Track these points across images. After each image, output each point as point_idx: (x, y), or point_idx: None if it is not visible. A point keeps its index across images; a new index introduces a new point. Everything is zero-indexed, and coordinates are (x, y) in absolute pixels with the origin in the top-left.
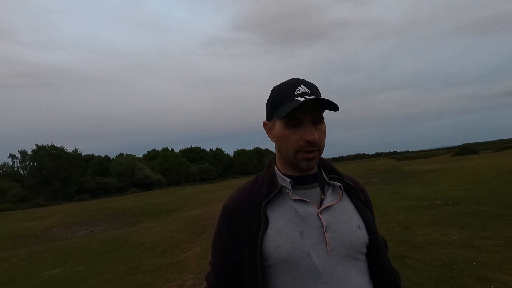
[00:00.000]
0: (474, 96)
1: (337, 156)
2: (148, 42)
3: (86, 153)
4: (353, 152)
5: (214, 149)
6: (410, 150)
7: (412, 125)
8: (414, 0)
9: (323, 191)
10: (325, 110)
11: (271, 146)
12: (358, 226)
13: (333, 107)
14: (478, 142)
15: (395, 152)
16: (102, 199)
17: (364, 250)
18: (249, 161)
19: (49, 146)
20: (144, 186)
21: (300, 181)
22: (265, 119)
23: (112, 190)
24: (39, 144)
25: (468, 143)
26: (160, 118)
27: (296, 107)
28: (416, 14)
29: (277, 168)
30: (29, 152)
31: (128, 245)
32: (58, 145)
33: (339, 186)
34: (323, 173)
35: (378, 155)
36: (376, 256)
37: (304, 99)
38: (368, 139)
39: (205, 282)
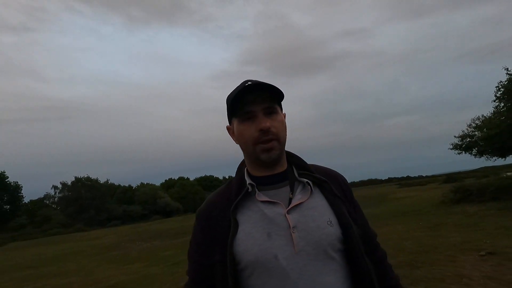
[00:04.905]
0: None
1: (349, 181)
2: (161, 75)
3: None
4: (365, 177)
5: (227, 177)
6: (424, 175)
7: (425, 150)
8: (411, 32)
9: (292, 189)
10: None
11: None
12: (329, 222)
13: (279, 94)
14: (496, 166)
15: (408, 177)
16: (132, 225)
17: (339, 247)
18: None
19: (85, 177)
20: (165, 213)
21: (270, 181)
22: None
23: (137, 218)
24: (77, 176)
25: (485, 167)
26: (174, 146)
27: (244, 95)
28: (415, 44)
29: (247, 171)
30: (69, 183)
31: None
32: (92, 176)
33: (307, 182)
34: (294, 170)
35: (390, 180)
36: (350, 252)
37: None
38: (381, 165)
39: None
